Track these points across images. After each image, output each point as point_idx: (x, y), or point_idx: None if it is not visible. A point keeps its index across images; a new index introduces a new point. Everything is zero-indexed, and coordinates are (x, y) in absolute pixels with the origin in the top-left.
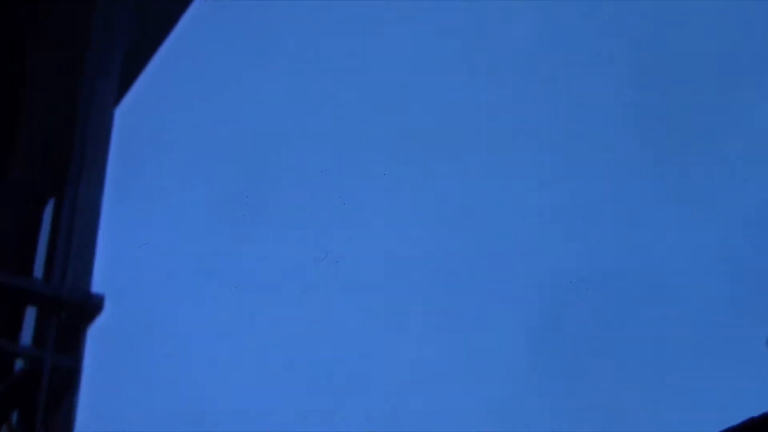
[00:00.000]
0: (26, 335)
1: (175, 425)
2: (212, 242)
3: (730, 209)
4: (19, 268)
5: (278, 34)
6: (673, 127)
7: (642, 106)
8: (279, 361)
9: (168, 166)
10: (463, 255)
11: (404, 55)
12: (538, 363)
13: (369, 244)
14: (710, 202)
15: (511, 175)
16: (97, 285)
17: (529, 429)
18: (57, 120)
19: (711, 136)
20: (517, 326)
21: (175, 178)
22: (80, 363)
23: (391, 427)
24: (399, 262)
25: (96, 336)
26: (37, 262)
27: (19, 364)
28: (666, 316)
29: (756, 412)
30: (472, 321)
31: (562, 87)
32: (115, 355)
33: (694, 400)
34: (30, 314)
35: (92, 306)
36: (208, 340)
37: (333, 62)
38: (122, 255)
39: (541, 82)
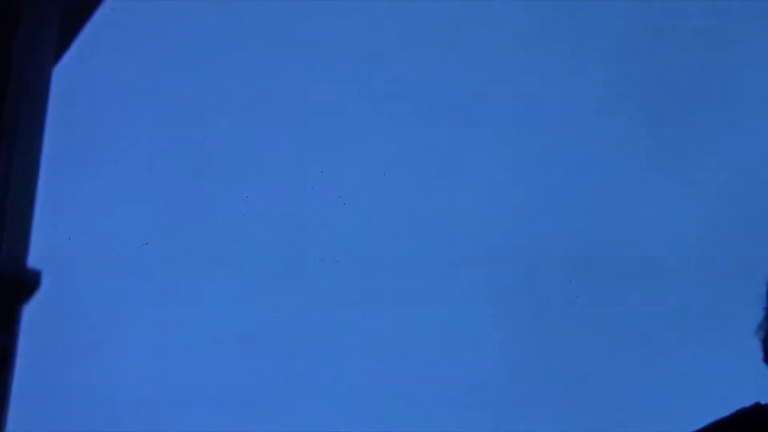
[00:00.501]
0: None
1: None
2: (160, 221)
3: (718, 186)
4: None
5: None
6: (660, 100)
7: (628, 78)
8: (228, 353)
9: (114, 138)
10: (435, 232)
11: (388, 40)
12: (515, 348)
13: (333, 217)
14: (697, 180)
15: (484, 147)
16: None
17: (506, 418)
18: None
19: (699, 109)
20: (493, 308)
21: (118, 150)
22: (15, 342)
23: (363, 414)
24: (370, 238)
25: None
26: None
27: None
28: (650, 299)
29: (746, 402)
30: (444, 301)
31: (545, 60)
32: (54, 343)
33: (681, 389)
34: None
35: (28, 281)
36: (151, 326)
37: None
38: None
39: (525, 54)
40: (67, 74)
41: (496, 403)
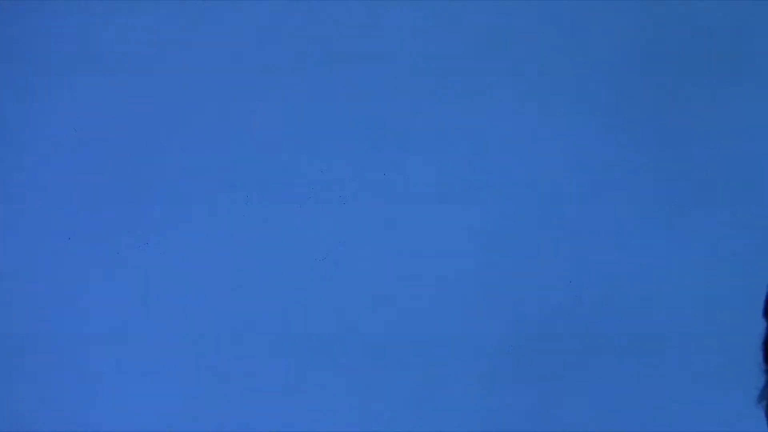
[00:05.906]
0: None
1: None
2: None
3: (730, 219)
4: None
5: None
6: (663, 125)
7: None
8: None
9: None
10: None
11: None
12: (506, 405)
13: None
14: (705, 210)
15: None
16: None
17: None
18: None
19: (704, 137)
20: (481, 357)
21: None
22: None
23: None
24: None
25: None
26: None
27: None
28: (653, 349)
29: None
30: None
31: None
32: None
33: None
34: None
35: None
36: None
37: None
38: None
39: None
40: None
41: None
